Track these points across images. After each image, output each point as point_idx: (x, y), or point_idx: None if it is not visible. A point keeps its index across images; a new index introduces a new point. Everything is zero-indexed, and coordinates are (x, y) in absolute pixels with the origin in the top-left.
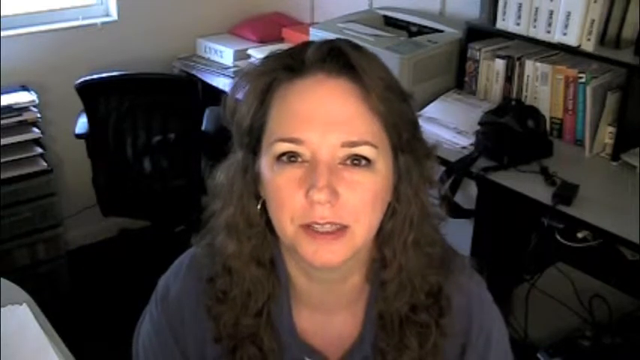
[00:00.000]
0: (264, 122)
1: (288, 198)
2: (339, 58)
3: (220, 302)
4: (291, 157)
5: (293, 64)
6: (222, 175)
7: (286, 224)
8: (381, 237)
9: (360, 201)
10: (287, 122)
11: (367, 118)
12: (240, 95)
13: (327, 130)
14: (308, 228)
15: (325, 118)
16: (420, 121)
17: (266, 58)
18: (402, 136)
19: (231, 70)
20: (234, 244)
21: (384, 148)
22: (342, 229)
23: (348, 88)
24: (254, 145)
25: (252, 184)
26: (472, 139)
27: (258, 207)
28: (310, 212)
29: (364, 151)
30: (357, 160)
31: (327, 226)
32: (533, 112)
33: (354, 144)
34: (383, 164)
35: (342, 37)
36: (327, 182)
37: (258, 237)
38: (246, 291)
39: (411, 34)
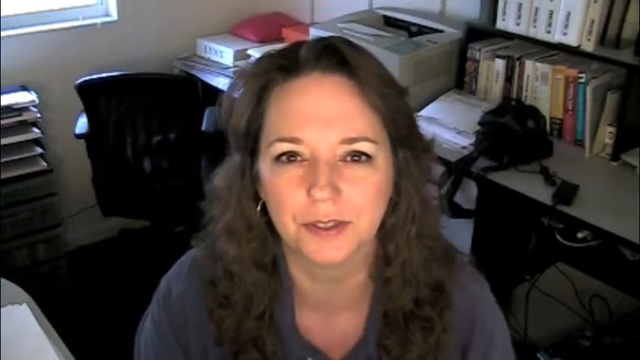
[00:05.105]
0: (261, 124)
1: (289, 197)
2: (334, 55)
3: (222, 306)
4: (290, 156)
5: (287, 64)
6: (219, 180)
7: (288, 223)
8: (384, 233)
9: (363, 196)
10: (285, 122)
11: (365, 113)
12: (234, 98)
13: (326, 127)
14: (311, 226)
15: (323, 116)
16: (420, 121)
17: (259, 59)
18: (401, 130)
19: (231, 70)
20: (234, 248)
21: (383, 143)
22: (344, 224)
23: (344, 85)
24: (251, 147)
25: (251, 187)
26: (472, 139)
27: (258, 209)
28: (313, 210)
29: (364, 147)
30: (357, 157)
31: (331, 223)
32: (533, 112)
33: (353, 140)
34: (383, 159)
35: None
36: (328, 180)
37: (259, 240)
38: (247, 294)
39: (411, 34)
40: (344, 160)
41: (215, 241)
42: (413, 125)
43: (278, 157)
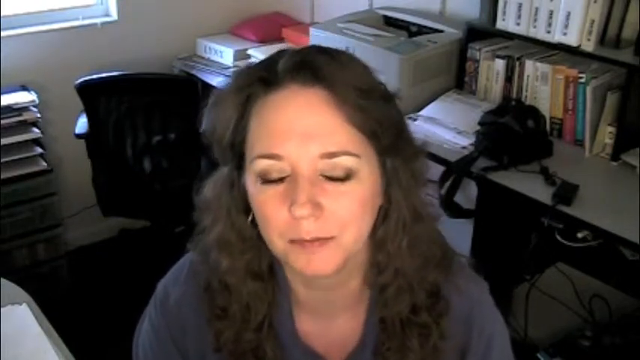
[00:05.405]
0: (245, 137)
1: (272, 215)
2: (310, 68)
3: (220, 318)
4: (272, 173)
5: (267, 77)
6: (208, 191)
7: (275, 240)
8: (375, 241)
9: (347, 211)
10: (265, 138)
11: (345, 127)
12: (217, 112)
13: (305, 142)
14: (296, 241)
15: (302, 131)
16: (420, 121)
17: (240, 72)
18: (385, 140)
19: (231, 70)
20: (227, 260)
21: (367, 154)
22: (329, 237)
23: (322, 98)
24: (238, 159)
25: (240, 199)
26: (472, 139)
27: (249, 220)
28: (296, 228)
29: (345, 161)
30: (340, 173)
31: (315, 240)
32: (533, 112)
33: (333, 155)
34: (367, 171)
35: (342, 37)
36: (308, 197)
37: (252, 250)
38: (245, 305)
39: (411, 34)
40: (326, 175)
41: (209, 251)
42: (401, 132)
43: (260, 174)
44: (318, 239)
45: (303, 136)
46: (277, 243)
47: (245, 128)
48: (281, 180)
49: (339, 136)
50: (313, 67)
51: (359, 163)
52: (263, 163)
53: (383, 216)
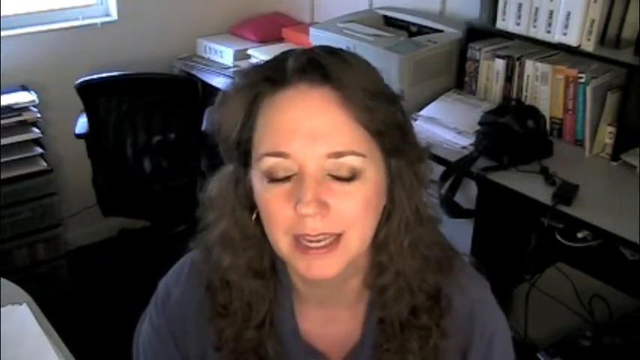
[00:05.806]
0: (252, 136)
1: (278, 212)
2: (318, 68)
3: (221, 316)
4: (279, 172)
5: (274, 76)
6: (213, 188)
7: (279, 237)
8: (377, 242)
9: (352, 210)
10: (272, 136)
11: (351, 127)
12: (224, 110)
13: (312, 141)
14: (300, 243)
15: (309, 130)
16: (420, 121)
17: (248, 71)
18: (390, 141)
19: (231, 70)
20: (230, 257)
21: (373, 154)
22: (335, 240)
23: (330, 98)
24: (244, 157)
25: (245, 197)
26: (472, 139)
27: (253, 218)
28: (301, 225)
29: (351, 161)
30: (346, 173)
31: (321, 237)
32: (533, 112)
33: (339, 154)
34: (373, 171)
35: (342, 37)
36: (313, 196)
37: (255, 248)
38: (246, 303)
39: (411, 34)
40: (332, 175)
41: (211, 248)
42: (405, 134)
43: (267, 172)
44: (325, 239)
45: (310, 135)
46: (281, 241)
47: (252, 126)
48: (287, 178)
49: (345, 136)
50: (322, 67)
51: (365, 162)
52: (270, 161)
53: (386, 216)
